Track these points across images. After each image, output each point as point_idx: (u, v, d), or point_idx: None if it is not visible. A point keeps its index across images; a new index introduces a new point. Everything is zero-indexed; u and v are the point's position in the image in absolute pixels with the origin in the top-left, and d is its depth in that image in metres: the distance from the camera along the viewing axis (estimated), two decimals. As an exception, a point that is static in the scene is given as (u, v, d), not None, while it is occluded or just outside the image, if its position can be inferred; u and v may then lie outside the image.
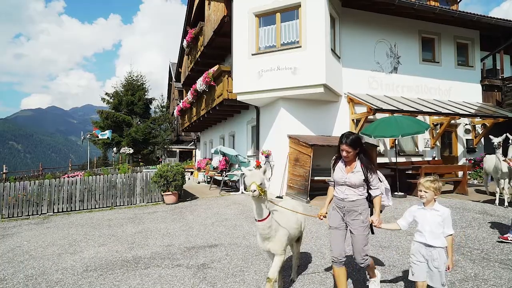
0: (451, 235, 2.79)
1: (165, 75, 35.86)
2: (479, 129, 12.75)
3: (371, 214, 3.15)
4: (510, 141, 7.75)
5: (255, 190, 2.94)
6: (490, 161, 8.18)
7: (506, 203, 7.23)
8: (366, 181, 3.09)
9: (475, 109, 11.86)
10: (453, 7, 14.08)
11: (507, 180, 7.35)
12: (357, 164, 3.14)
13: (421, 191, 2.82)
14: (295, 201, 4.00)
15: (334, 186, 3.26)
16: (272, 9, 9.99)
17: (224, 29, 11.82)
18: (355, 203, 3.09)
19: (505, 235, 4.97)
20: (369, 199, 3.16)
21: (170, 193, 9.85)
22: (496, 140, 7.24)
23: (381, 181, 3.29)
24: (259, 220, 3.10)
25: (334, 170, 3.24)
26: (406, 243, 5.13)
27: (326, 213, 3.27)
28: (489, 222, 6.07)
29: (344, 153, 3.09)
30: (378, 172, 3.28)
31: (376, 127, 9.13)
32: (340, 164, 3.21)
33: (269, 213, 3.12)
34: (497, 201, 7.49)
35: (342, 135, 3.15)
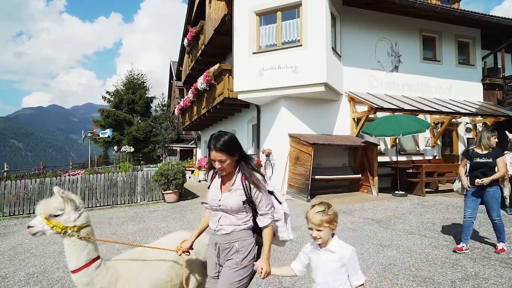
0: (361, 286, 1.83)
1: (165, 74, 35.84)
2: (480, 128, 12.73)
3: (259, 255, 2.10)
4: (509, 139, 7.72)
5: (32, 227, 1.97)
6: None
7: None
8: (249, 202, 2.06)
9: (476, 108, 11.84)
10: (454, 6, 14.04)
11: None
12: (237, 178, 2.10)
13: (311, 229, 1.86)
14: (200, 243, 2.42)
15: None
16: (273, 8, 9.98)
17: (225, 27, 11.80)
18: (230, 237, 2.06)
19: (459, 246, 4.62)
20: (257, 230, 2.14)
21: (170, 191, 9.87)
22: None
23: (279, 202, 2.24)
24: (72, 271, 2.00)
25: (209, 188, 2.24)
26: (407, 242, 5.14)
27: (190, 248, 2.26)
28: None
29: (216, 164, 2.06)
30: (274, 189, 2.26)
31: (377, 126, 9.12)
32: (216, 180, 2.20)
33: (95, 259, 2.04)
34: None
35: (211, 136, 2.08)
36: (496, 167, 4.48)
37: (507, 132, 7.84)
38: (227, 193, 2.08)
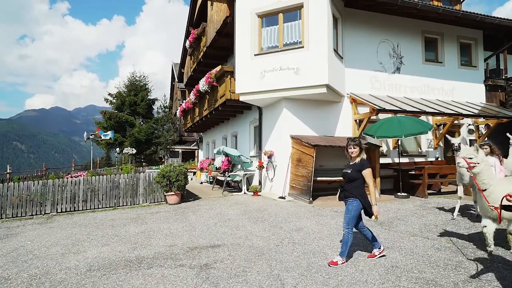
0: None
1: (167, 76, 35.94)
2: (483, 130, 12.68)
3: None
4: (510, 141, 7.67)
5: None
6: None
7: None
8: None
9: (479, 109, 11.81)
10: (456, 7, 14.03)
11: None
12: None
13: None
14: None
15: None
16: (275, 10, 10.00)
17: (227, 29, 11.84)
18: None
19: (371, 253, 4.49)
20: None
21: (172, 193, 9.87)
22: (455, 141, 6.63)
23: None
24: None
25: None
26: (409, 244, 5.12)
27: None
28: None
29: None
30: None
31: (379, 128, 9.11)
32: None
33: None
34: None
35: None
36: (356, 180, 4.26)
37: (508, 135, 7.81)
38: None
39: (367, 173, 4.23)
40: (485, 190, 3.96)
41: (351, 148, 4.39)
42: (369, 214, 4.26)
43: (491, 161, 5.64)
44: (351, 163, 4.36)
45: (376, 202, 4.21)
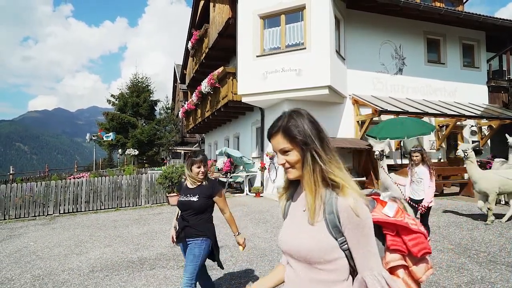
0: None
1: (170, 77, 36.04)
2: (485, 131, 12.64)
3: None
4: (509, 143, 7.55)
5: None
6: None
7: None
8: None
9: (481, 110, 11.77)
10: (459, 8, 14.01)
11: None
12: None
13: None
14: None
15: None
16: (277, 11, 10.01)
17: (229, 31, 11.86)
18: None
19: None
20: None
21: (175, 194, 9.88)
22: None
23: None
24: None
25: None
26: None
27: None
28: (496, 224, 6.02)
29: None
30: None
31: (381, 129, 9.10)
32: None
33: None
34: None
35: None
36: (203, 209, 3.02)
37: (507, 136, 7.73)
38: None
39: (221, 197, 3.08)
40: None
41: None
42: (216, 258, 3.18)
43: (401, 182, 5.25)
44: (191, 187, 3.05)
45: (238, 230, 3.13)
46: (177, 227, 3.13)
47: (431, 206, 4.56)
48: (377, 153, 5.94)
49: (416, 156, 4.65)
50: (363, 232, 1.06)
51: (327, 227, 1.09)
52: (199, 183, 3.04)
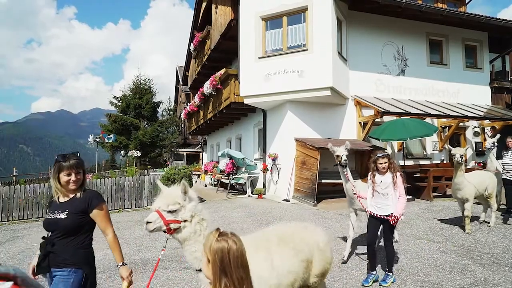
0: None
1: (172, 79, 36.09)
2: (488, 132, 12.59)
3: None
4: (491, 144, 7.40)
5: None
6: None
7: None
8: None
9: (484, 111, 11.73)
10: (461, 9, 13.98)
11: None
12: None
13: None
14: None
15: None
16: (279, 13, 10.03)
17: (231, 32, 11.89)
18: None
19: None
20: None
21: (177, 196, 9.92)
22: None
23: None
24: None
25: None
26: (415, 247, 5.09)
27: None
28: (500, 226, 5.99)
29: None
30: None
31: (384, 130, 9.08)
32: None
33: None
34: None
35: None
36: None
37: (494, 140, 7.65)
38: None
39: (102, 213, 2.47)
40: None
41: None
42: None
43: (363, 194, 4.20)
44: (63, 200, 2.40)
45: (123, 260, 2.60)
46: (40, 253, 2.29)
47: (402, 218, 3.89)
48: (345, 158, 4.81)
49: (384, 163, 3.84)
50: None
51: None
52: (72, 196, 2.36)
